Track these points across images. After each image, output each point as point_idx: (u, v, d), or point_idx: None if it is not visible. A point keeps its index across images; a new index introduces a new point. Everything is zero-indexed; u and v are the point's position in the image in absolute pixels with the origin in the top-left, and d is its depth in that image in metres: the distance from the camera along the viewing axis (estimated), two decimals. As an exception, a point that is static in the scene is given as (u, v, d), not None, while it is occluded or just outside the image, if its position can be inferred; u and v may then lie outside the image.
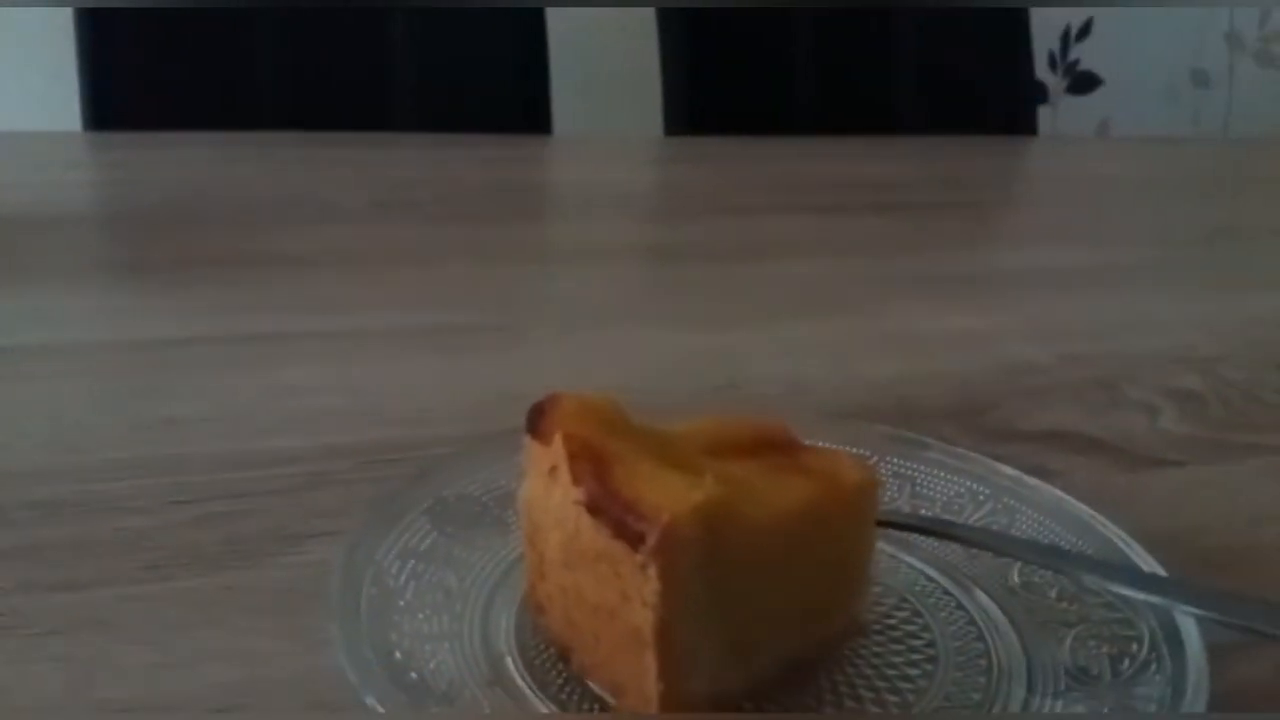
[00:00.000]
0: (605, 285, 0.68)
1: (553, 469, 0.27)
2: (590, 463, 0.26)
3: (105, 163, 0.98)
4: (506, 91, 1.19)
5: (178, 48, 1.09)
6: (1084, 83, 1.91)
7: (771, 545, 0.26)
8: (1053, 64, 1.90)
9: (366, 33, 1.14)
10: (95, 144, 1.03)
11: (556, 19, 1.22)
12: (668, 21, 1.24)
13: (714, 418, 0.31)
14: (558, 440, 0.27)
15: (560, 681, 0.28)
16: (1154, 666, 0.28)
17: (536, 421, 0.29)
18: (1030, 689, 0.28)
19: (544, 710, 0.26)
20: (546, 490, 0.28)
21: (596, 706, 0.27)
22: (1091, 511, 0.34)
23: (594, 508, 0.25)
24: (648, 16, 1.26)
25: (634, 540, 0.24)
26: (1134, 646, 0.29)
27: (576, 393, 0.30)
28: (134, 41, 1.08)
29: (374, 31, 1.15)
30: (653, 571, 0.24)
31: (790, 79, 1.30)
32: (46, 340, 0.52)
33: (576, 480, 0.26)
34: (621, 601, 0.25)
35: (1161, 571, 0.31)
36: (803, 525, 0.27)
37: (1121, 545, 0.32)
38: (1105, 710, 0.27)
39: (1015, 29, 1.36)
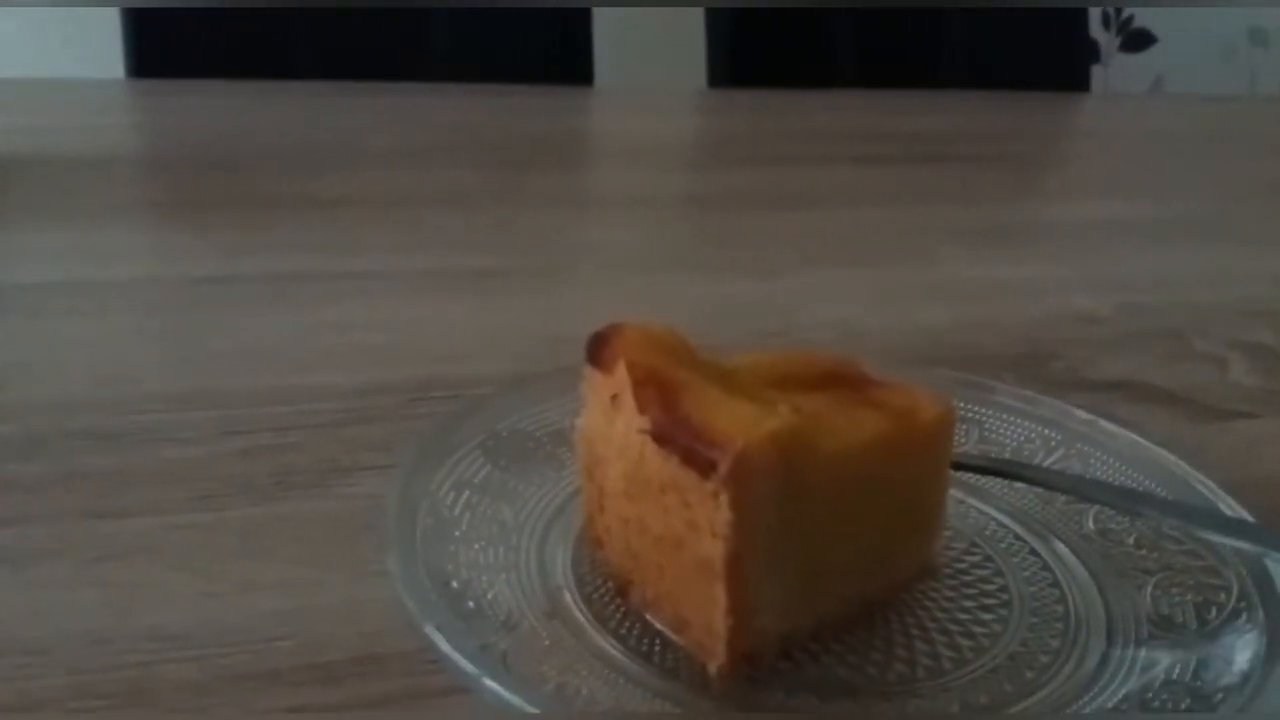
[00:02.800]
0: (649, 231, 0.67)
1: (615, 397, 0.26)
2: (656, 390, 0.25)
3: (149, 108, 0.97)
4: (549, 45, 1.17)
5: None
6: (1137, 40, 1.86)
7: (845, 478, 0.25)
8: (1106, 21, 1.85)
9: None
10: (138, 90, 1.03)
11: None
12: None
13: (779, 351, 0.30)
14: (621, 368, 0.26)
15: (619, 616, 0.27)
16: (1244, 616, 0.26)
17: (598, 350, 0.28)
18: (1110, 638, 0.27)
19: (603, 643, 0.25)
20: (608, 420, 0.27)
21: (658, 641, 0.26)
22: (1172, 457, 0.32)
23: (661, 435, 0.24)
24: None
25: (705, 468, 0.23)
26: (1221, 595, 0.27)
27: (638, 322, 0.28)
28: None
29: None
30: (725, 500, 0.23)
31: (837, 36, 1.27)
32: (91, 276, 0.51)
33: (642, 408, 0.25)
34: (689, 532, 0.24)
35: (1249, 518, 0.29)
36: (878, 458, 0.26)
37: (1205, 491, 0.30)
38: (1190, 659, 0.26)
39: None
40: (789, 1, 1.21)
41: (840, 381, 0.28)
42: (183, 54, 1.06)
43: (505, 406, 0.34)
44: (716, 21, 1.22)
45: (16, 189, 0.64)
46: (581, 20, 1.16)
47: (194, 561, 0.30)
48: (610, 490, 0.27)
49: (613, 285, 0.56)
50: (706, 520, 0.23)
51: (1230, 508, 0.30)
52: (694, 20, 1.22)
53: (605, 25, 1.19)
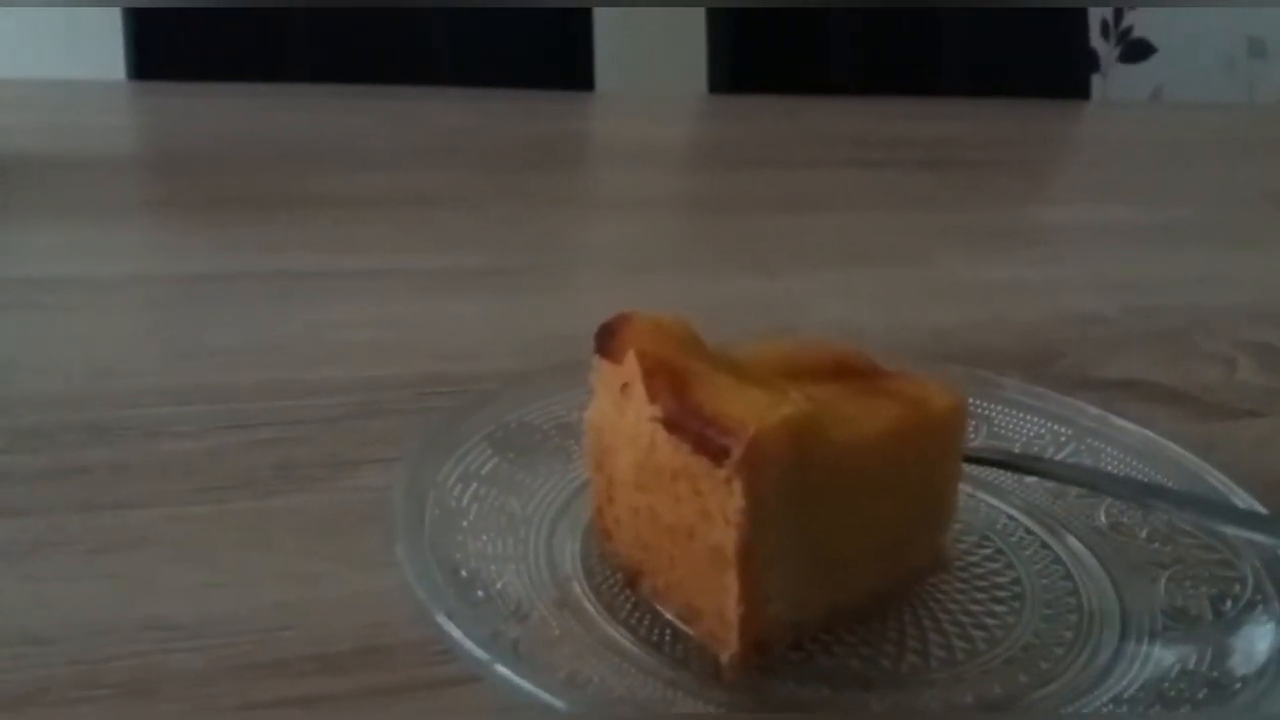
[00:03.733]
0: (652, 231, 0.67)
1: (624, 386, 0.26)
2: (666, 378, 0.25)
3: (148, 109, 0.97)
4: (550, 50, 1.17)
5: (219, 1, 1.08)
6: (1137, 50, 1.86)
7: (858, 467, 0.25)
8: (1105, 31, 1.85)
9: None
10: (139, 92, 1.02)
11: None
12: (714, -21, 1.21)
13: (789, 341, 0.29)
14: (630, 357, 0.26)
15: (629, 606, 0.26)
16: (1260, 607, 0.26)
17: (607, 340, 0.27)
18: (1124, 631, 0.27)
19: (613, 633, 0.25)
20: (618, 410, 0.26)
21: (668, 631, 0.25)
22: (1182, 451, 0.32)
23: (672, 423, 0.24)
24: (693, -26, 1.24)
25: (717, 455, 0.23)
26: (1236, 587, 0.27)
27: (648, 312, 0.28)
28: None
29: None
30: (737, 487, 0.23)
31: (837, 43, 1.27)
32: (92, 273, 0.51)
33: (652, 396, 0.25)
34: (701, 520, 0.24)
35: (1263, 510, 0.29)
36: (890, 448, 0.25)
37: (1218, 485, 0.30)
38: (1206, 651, 0.25)
39: (1069, -9, 1.32)
40: (790, 1, 1.21)
41: (852, 372, 0.28)
42: (184, 57, 1.06)
43: (512, 400, 0.34)
44: (718, 27, 1.22)
45: (17, 188, 0.63)
46: (582, 25, 1.16)
47: (195, 553, 0.29)
48: (620, 480, 0.27)
49: (616, 284, 0.55)
50: (719, 508, 0.23)
51: (1243, 501, 0.29)
52: (695, 25, 1.22)
53: (606, 30, 1.19)
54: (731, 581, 0.23)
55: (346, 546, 0.30)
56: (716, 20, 1.21)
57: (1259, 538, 0.27)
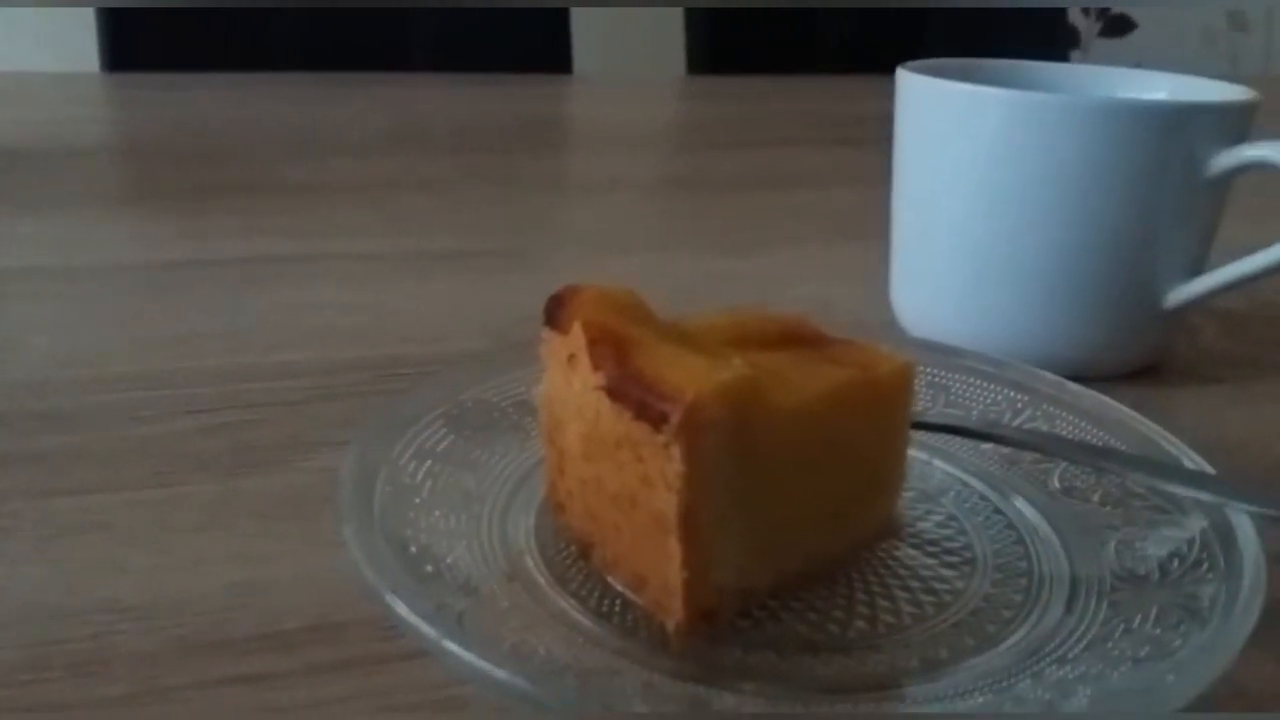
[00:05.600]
0: (626, 213, 0.67)
1: (571, 357, 0.26)
2: (610, 347, 0.25)
3: (122, 100, 0.96)
4: (527, 33, 1.16)
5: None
6: (1117, 26, 1.86)
7: (801, 431, 0.25)
8: (1085, 8, 1.85)
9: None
10: (112, 84, 1.02)
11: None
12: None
13: (735, 312, 0.29)
14: (576, 328, 0.26)
15: (581, 578, 0.26)
16: (1206, 565, 0.26)
17: (555, 312, 0.27)
18: (1073, 593, 0.27)
19: (562, 604, 0.25)
20: (566, 381, 0.27)
21: (618, 602, 0.26)
22: (1136, 415, 0.32)
23: (614, 391, 0.24)
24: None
25: (656, 420, 0.23)
26: (1184, 547, 0.27)
27: (595, 284, 0.28)
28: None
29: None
30: (676, 452, 0.23)
31: (816, 22, 1.27)
32: (62, 262, 0.51)
33: (596, 365, 0.25)
34: (643, 487, 0.24)
35: (1211, 470, 0.29)
36: (834, 411, 0.25)
37: (1170, 449, 0.30)
38: (1151, 609, 0.25)
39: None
40: (768, 1, 1.21)
41: (799, 340, 0.28)
42: (158, 51, 1.06)
43: (469, 377, 0.33)
44: (694, 10, 1.21)
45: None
46: (560, 8, 1.16)
47: (149, 536, 0.29)
48: (570, 452, 0.27)
49: (589, 265, 0.55)
50: (660, 474, 0.23)
51: (1193, 462, 0.29)
52: (672, 8, 1.22)
53: (583, 13, 1.19)
54: (674, 548, 0.23)
55: (301, 527, 0.30)
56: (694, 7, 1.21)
57: (1205, 496, 0.27)
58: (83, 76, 1.03)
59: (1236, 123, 0.39)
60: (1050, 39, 1.36)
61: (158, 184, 0.67)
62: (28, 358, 0.40)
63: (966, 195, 0.40)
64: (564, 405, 0.27)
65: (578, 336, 0.26)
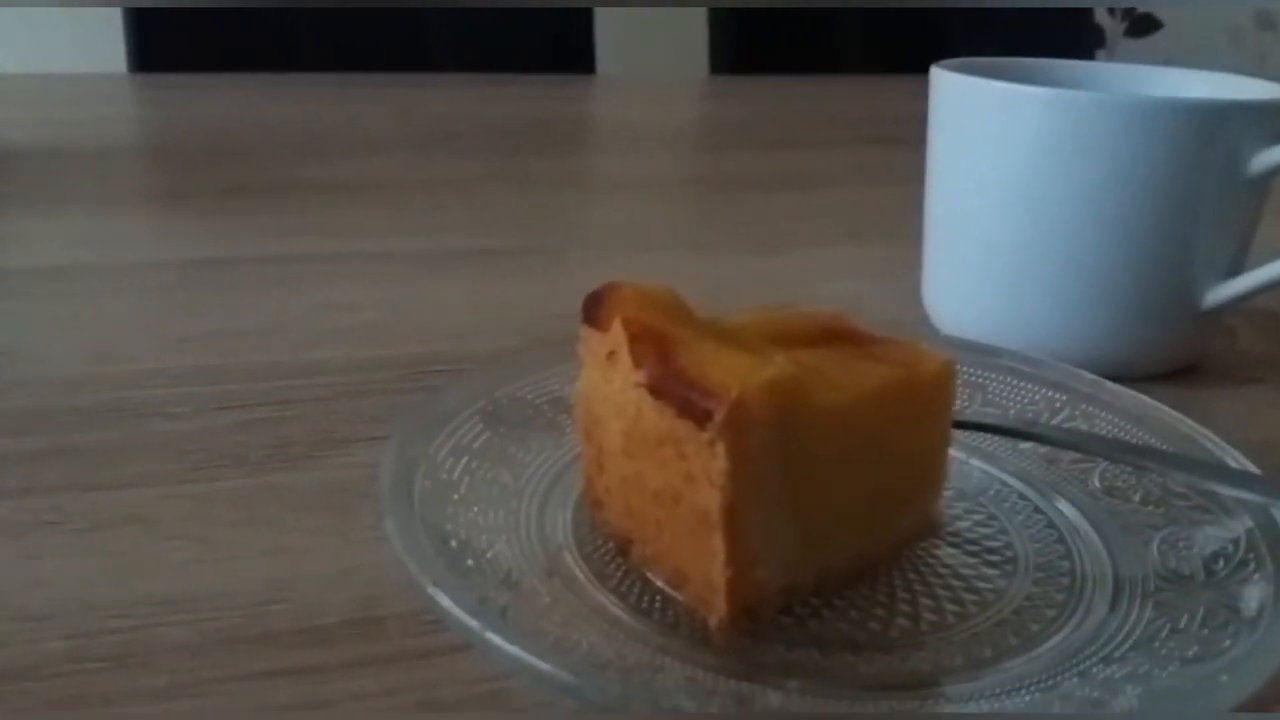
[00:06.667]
0: (651, 212, 0.67)
1: (611, 354, 0.26)
2: (652, 344, 0.25)
3: (149, 100, 0.97)
4: (550, 33, 1.17)
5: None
6: (1143, 25, 1.85)
7: (845, 429, 0.25)
8: (1110, 8, 1.84)
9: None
10: (139, 84, 1.03)
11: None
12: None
13: (777, 309, 0.29)
14: (616, 325, 0.26)
15: (620, 574, 0.26)
16: (1252, 565, 0.26)
17: (593, 309, 0.27)
18: (1116, 593, 0.26)
19: (603, 599, 0.25)
20: (605, 378, 0.26)
21: (658, 598, 0.25)
22: (1177, 414, 0.32)
23: (656, 388, 0.24)
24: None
25: (700, 418, 0.23)
26: (1229, 547, 0.27)
27: (634, 281, 0.28)
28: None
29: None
30: (721, 449, 0.22)
31: (838, 22, 1.26)
32: (93, 260, 0.51)
33: (637, 362, 0.25)
34: (686, 484, 0.24)
35: (1255, 469, 0.29)
36: (878, 410, 0.25)
37: (1212, 448, 0.30)
38: (1198, 610, 0.25)
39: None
40: (792, 1, 1.20)
41: (841, 337, 0.28)
42: (184, 52, 1.06)
43: (504, 374, 0.34)
44: (719, 10, 1.21)
45: (18, 178, 0.64)
46: (583, 9, 1.16)
47: (188, 530, 0.29)
48: (609, 449, 0.27)
49: (614, 264, 0.55)
50: (703, 471, 0.23)
51: (1236, 461, 0.29)
52: (696, 8, 1.22)
53: (606, 13, 1.19)
54: (718, 545, 0.23)
55: (338, 521, 0.30)
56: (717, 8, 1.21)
57: (1250, 496, 0.27)
58: (110, 78, 1.04)
59: (1277, 122, 0.38)
60: (1076, 39, 1.35)
61: (186, 183, 0.67)
62: (64, 355, 0.40)
63: (1003, 193, 0.40)
64: (603, 402, 0.27)
65: (618, 333, 0.26)
